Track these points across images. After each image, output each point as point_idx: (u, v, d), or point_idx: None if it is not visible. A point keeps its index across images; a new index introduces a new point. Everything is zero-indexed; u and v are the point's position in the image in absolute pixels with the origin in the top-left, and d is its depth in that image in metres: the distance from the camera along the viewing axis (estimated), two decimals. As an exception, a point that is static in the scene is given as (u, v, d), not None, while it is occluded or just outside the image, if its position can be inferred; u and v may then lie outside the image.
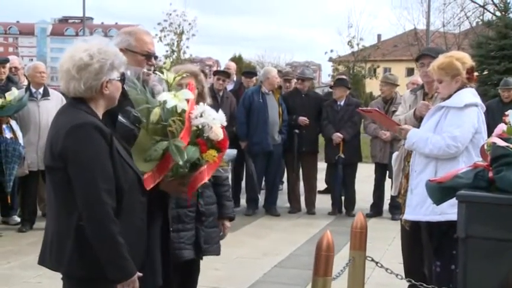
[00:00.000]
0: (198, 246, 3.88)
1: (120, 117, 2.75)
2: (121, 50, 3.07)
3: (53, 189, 2.86)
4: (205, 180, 2.88)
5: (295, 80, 9.25)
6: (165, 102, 2.72)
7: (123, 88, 2.89)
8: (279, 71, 10.19)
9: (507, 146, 2.20)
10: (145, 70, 3.22)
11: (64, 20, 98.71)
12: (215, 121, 2.82)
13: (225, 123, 2.89)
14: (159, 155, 2.66)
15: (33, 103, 7.37)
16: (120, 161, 2.78)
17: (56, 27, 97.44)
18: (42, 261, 2.87)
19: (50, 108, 7.30)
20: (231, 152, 2.97)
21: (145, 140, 2.69)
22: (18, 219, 7.76)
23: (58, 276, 2.91)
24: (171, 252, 3.36)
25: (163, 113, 2.72)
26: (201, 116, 2.81)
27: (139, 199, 2.90)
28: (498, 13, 28.96)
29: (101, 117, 2.88)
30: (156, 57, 3.30)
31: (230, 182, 6.81)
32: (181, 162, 2.63)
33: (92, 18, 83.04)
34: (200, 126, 2.79)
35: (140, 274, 2.85)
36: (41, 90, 7.54)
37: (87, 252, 2.71)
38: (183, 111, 2.76)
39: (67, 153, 2.71)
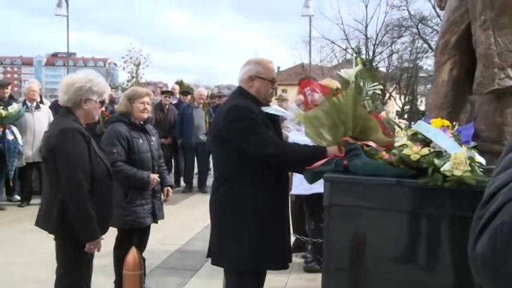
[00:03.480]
0: (154, 214, 3.88)
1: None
2: (250, 76, 2.72)
3: (47, 174, 2.87)
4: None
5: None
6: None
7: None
8: (212, 96, 10.20)
9: (355, 143, 2.25)
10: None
11: (55, 55, 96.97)
12: None
13: None
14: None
15: (29, 114, 7.21)
16: (94, 157, 2.79)
17: (49, 60, 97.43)
18: (37, 223, 2.90)
19: (41, 117, 7.31)
20: None
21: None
22: (18, 197, 7.62)
23: (49, 239, 2.93)
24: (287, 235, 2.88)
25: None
26: None
27: (107, 184, 2.92)
28: (354, 54, 30.10)
29: (83, 125, 2.89)
30: (275, 82, 2.83)
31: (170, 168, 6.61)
32: None
33: (75, 53, 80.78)
34: None
35: (103, 238, 2.87)
36: (34, 104, 7.33)
37: (67, 219, 2.73)
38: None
39: (57, 148, 2.73)
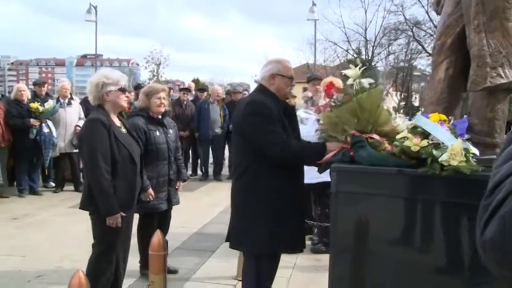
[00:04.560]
0: (169, 201, 3.86)
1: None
2: (272, 74, 2.68)
3: (82, 159, 3.01)
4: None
5: (240, 95, 9.09)
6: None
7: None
8: (227, 92, 10.12)
9: (361, 135, 2.25)
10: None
11: (84, 56, 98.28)
12: None
13: None
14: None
15: (62, 109, 7.28)
16: (115, 142, 2.83)
17: (79, 61, 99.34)
18: (80, 202, 2.98)
19: (71, 112, 7.39)
20: None
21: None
22: (53, 184, 7.68)
23: (80, 221, 3.05)
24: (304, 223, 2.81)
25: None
26: None
27: (130, 167, 2.93)
28: (355, 55, 29.82)
29: (113, 117, 2.94)
30: (293, 79, 2.78)
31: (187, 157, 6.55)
32: None
33: (102, 55, 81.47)
34: None
35: (123, 214, 2.88)
36: (66, 100, 7.39)
37: (92, 197, 2.82)
38: None
39: (82, 136, 2.90)
